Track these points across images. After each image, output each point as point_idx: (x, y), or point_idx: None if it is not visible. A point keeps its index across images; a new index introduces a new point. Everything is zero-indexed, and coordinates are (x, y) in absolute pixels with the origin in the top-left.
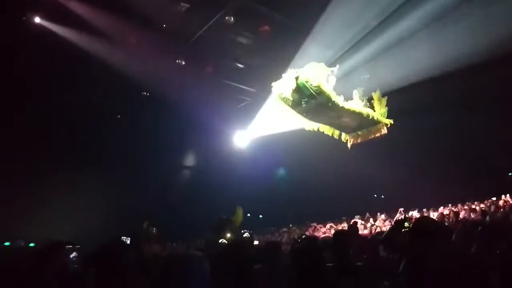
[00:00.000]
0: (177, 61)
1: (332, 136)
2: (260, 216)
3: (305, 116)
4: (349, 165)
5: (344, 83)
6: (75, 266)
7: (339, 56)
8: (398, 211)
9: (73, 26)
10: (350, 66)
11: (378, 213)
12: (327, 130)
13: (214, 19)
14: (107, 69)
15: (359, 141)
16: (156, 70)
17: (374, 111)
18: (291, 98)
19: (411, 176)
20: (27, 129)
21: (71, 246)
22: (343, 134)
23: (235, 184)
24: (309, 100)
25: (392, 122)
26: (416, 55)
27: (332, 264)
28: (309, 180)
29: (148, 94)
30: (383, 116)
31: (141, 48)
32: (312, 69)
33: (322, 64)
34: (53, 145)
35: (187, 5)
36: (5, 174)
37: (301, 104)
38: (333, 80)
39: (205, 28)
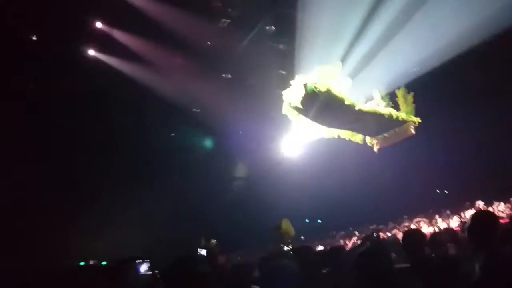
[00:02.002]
0: (223, 75)
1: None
2: (319, 220)
3: (320, 123)
4: (406, 161)
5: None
6: (146, 280)
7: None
8: (464, 206)
9: (125, 56)
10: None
11: (443, 209)
12: (348, 135)
13: (255, 30)
14: (158, 92)
15: (386, 145)
16: (204, 87)
17: (400, 110)
18: (301, 107)
19: (476, 166)
20: (93, 151)
21: (141, 261)
22: (368, 138)
23: (288, 191)
24: (321, 106)
25: (420, 120)
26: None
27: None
28: (365, 180)
29: (198, 110)
30: (410, 114)
31: (188, 68)
32: (321, 72)
33: (339, 63)
34: (116, 163)
35: (228, 20)
36: (73, 197)
37: (314, 111)
38: (348, 82)
39: (248, 38)
